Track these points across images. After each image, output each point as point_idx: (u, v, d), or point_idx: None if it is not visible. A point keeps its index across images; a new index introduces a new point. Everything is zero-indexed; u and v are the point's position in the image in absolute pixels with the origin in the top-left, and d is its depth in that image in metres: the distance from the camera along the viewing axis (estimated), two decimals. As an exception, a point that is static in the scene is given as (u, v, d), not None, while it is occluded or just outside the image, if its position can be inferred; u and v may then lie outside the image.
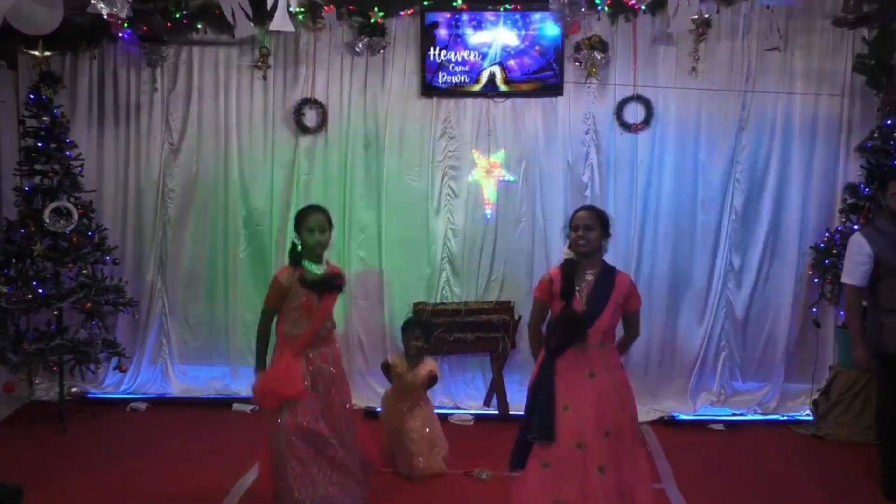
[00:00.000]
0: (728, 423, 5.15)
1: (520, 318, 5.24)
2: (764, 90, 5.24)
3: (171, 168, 5.59)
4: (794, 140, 5.26)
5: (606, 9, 5.17)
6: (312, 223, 3.46)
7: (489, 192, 5.42)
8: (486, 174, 5.40)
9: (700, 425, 5.14)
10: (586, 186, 5.36)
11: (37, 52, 5.01)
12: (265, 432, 3.51)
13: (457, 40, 5.31)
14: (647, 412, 5.17)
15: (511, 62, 5.30)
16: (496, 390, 5.23)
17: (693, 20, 4.96)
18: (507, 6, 5.26)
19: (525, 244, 5.44)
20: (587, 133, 5.36)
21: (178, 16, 5.25)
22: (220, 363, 5.67)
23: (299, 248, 3.48)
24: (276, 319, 3.52)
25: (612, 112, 5.33)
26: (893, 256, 3.82)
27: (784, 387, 5.36)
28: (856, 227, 4.81)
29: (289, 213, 5.34)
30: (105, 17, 4.18)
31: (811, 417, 5.13)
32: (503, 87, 5.33)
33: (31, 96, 5.06)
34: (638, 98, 5.29)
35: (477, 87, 5.34)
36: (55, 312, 4.95)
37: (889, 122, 4.88)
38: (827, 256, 5.03)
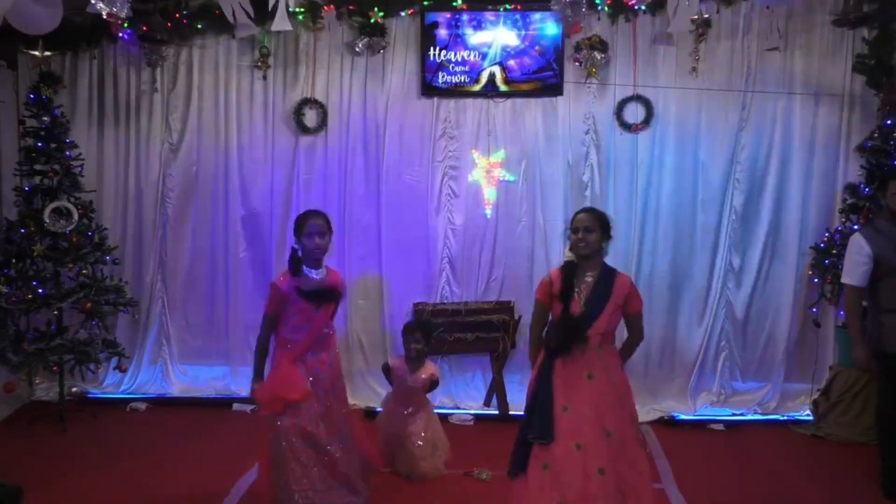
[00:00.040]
0: (728, 423, 5.15)
1: (520, 318, 5.24)
2: (764, 90, 5.24)
3: (171, 168, 5.60)
4: (793, 140, 5.26)
5: (606, 9, 5.17)
6: (311, 228, 3.46)
7: (489, 191, 5.42)
8: (486, 174, 5.40)
9: (700, 425, 5.14)
10: (586, 186, 5.36)
11: (37, 52, 5.01)
12: (265, 433, 3.51)
13: (457, 40, 5.31)
14: (647, 412, 5.17)
15: (511, 62, 5.30)
16: (496, 390, 5.23)
17: (693, 20, 4.96)
18: (507, 6, 5.26)
19: (525, 244, 5.44)
20: (587, 133, 5.36)
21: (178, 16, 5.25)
22: (220, 363, 5.67)
23: (299, 253, 3.48)
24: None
25: (612, 112, 5.34)
26: (893, 257, 3.82)
27: (784, 387, 5.36)
28: (856, 227, 4.81)
29: (289, 214, 5.35)
30: (105, 17, 4.18)
31: (811, 417, 5.13)
32: (503, 87, 5.34)
33: (31, 96, 5.06)
34: (638, 98, 5.30)
35: (477, 87, 5.34)
36: (55, 312, 4.95)
37: (889, 122, 4.89)
38: (827, 256, 5.03)
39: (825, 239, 5.12)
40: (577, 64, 5.28)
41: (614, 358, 3.28)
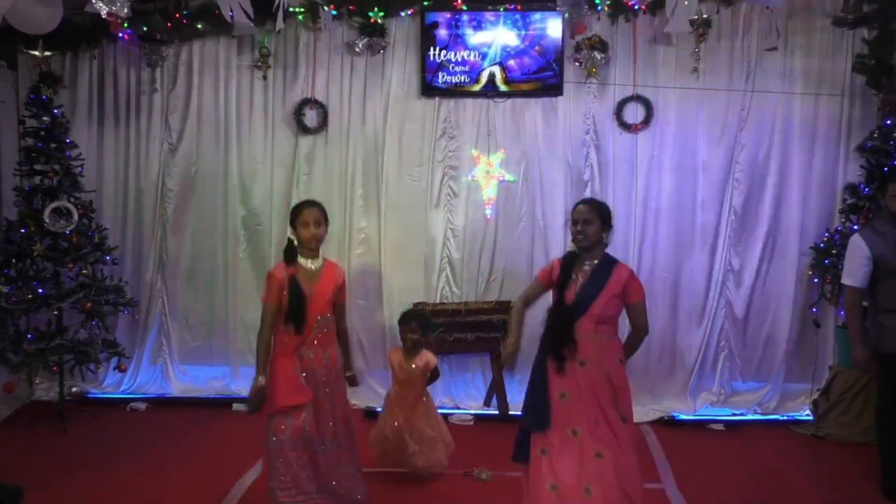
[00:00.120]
0: (728, 423, 5.15)
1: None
2: (764, 90, 5.24)
3: (171, 168, 5.60)
4: (793, 140, 5.27)
5: (606, 9, 5.16)
6: (307, 217, 3.44)
7: (489, 191, 5.42)
8: (486, 174, 5.40)
9: (700, 425, 5.15)
10: (586, 186, 5.36)
11: (37, 52, 5.01)
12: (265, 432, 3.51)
13: (457, 40, 5.31)
14: (647, 412, 5.18)
15: (511, 62, 5.30)
16: (496, 390, 5.23)
17: (693, 20, 4.96)
18: (507, 6, 5.25)
19: (525, 244, 5.44)
20: (587, 133, 5.36)
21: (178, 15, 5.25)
22: (220, 363, 5.68)
23: (295, 243, 3.46)
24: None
25: (612, 112, 5.34)
26: (892, 257, 3.82)
27: (784, 387, 5.36)
28: (855, 227, 4.81)
29: (289, 214, 5.32)
30: (105, 16, 4.18)
31: (811, 417, 5.13)
32: (503, 87, 5.34)
33: (31, 96, 5.06)
34: (638, 98, 5.30)
35: (477, 87, 5.34)
36: (55, 312, 4.95)
37: (889, 122, 4.89)
38: (827, 256, 5.03)
39: (825, 239, 5.13)
40: (577, 64, 5.28)
41: (613, 349, 3.26)
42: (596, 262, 3.27)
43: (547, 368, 3.23)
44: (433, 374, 4.34)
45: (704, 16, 5.05)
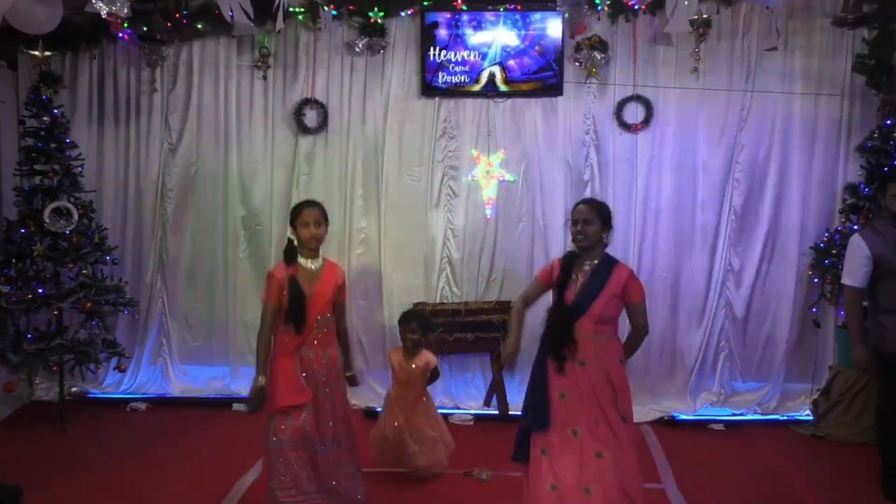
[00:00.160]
0: (728, 423, 5.15)
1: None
2: (764, 90, 5.24)
3: (171, 168, 5.60)
4: (793, 140, 5.27)
5: (606, 9, 5.16)
6: (307, 217, 3.44)
7: (489, 191, 5.42)
8: (486, 174, 5.40)
9: (700, 425, 5.15)
10: (586, 186, 5.36)
11: (37, 52, 5.01)
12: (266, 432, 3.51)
13: (457, 40, 5.31)
14: (647, 412, 5.18)
15: (511, 62, 5.30)
16: (496, 390, 5.23)
17: (693, 20, 4.96)
18: (507, 6, 5.25)
19: (525, 244, 5.44)
20: (587, 133, 5.36)
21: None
22: (220, 363, 5.68)
23: (295, 242, 3.45)
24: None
25: (612, 112, 5.34)
26: (892, 257, 3.82)
27: (784, 387, 5.36)
28: (855, 227, 4.81)
29: (289, 214, 5.32)
30: (105, 16, 4.18)
31: (811, 417, 5.13)
32: (503, 87, 5.34)
33: (31, 96, 5.06)
34: (638, 98, 5.30)
35: (477, 87, 5.34)
36: (55, 312, 4.95)
37: (889, 122, 4.89)
38: (827, 256, 5.03)
39: (825, 239, 5.13)
40: (577, 64, 5.28)
41: (613, 349, 3.26)
42: (596, 262, 3.27)
43: (547, 368, 3.23)
44: (433, 374, 4.33)
45: (704, 16, 5.05)
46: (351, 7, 5.29)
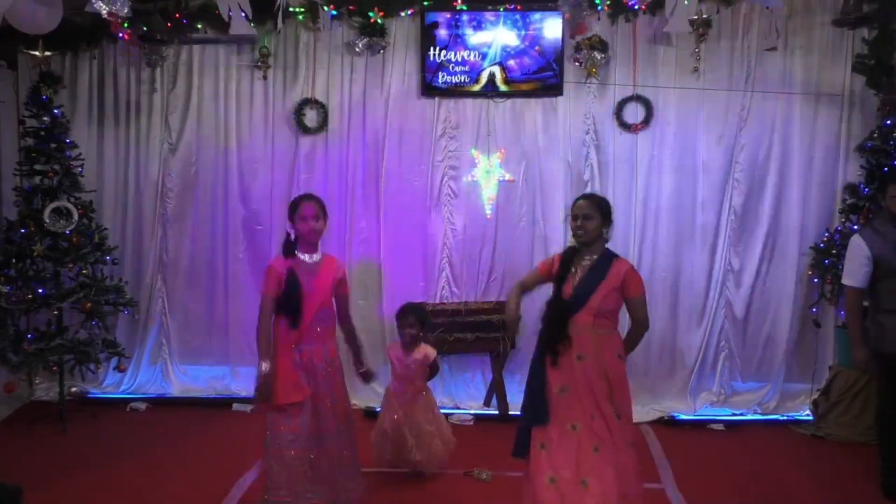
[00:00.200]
0: (728, 423, 5.15)
1: (519, 318, 5.22)
2: (764, 90, 5.24)
3: (171, 168, 5.60)
4: (793, 140, 5.27)
5: (606, 10, 5.16)
6: (305, 211, 3.43)
7: (489, 191, 5.42)
8: (487, 174, 5.40)
9: (700, 425, 5.14)
10: (586, 186, 5.35)
11: (37, 52, 5.01)
12: (264, 432, 3.51)
13: (457, 40, 5.31)
14: (647, 412, 5.18)
15: (511, 62, 5.30)
16: (496, 390, 5.23)
17: (693, 20, 4.96)
18: (507, 6, 5.25)
19: (525, 244, 5.44)
20: (587, 133, 5.36)
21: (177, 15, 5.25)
22: (220, 363, 5.68)
23: (292, 237, 3.45)
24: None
25: (612, 112, 5.34)
26: (892, 257, 3.82)
27: (784, 387, 5.36)
28: (855, 227, 4.82)
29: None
30: (105, 16, 4.18)
31: (811, 417, 5.13)
32: (503, 87, 5.34)
33: (31, 96, 5.06)
34: (638, 98, 5.30)
35: (477, 87, 5.34)
36: (55, 312, 4.95)
37: (889, 122, 4.89)
38: (827, 256, 5.03)
39: (825, 239, 5.13)
40: (577, 64, 5.28)
41: (612, 344, 3.26)
42: (595, 257, 3.28)
43: (545, 363, 3.25)
44: (433, 368, 4.28)
45: (704, 16, 5.05)
46: (351, 7, 5.29)
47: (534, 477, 3.18)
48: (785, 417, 5.27)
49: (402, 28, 5.40)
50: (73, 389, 5.51)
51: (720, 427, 5.11)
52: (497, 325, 5.18)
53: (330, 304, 3.53)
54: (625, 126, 5.33)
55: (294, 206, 3.49)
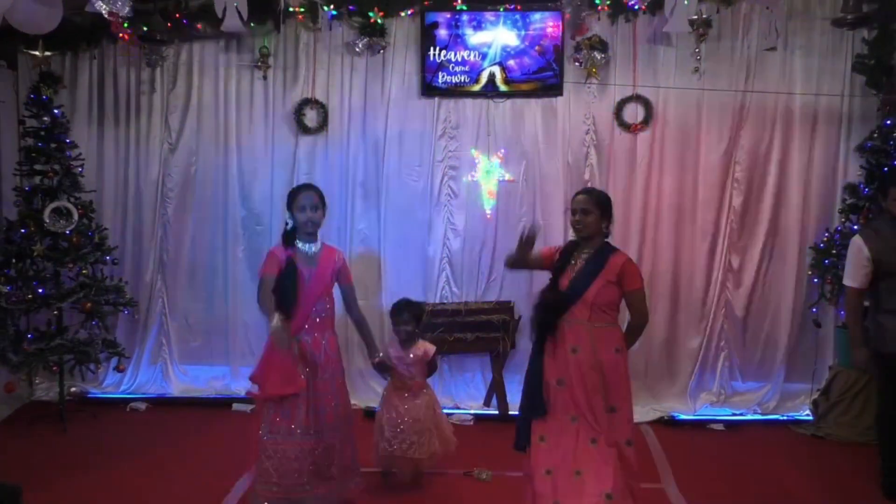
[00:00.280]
0: (728, 423, 5.15)
1: (520, 318, 5.24)
2: (764, 90, 5.24)
3: (171, 168, 5.60)
4: (793, 140, 5.27)
5: (605, 9, 5.15)
6: (303, 201, 3.44)
7: (489, 191, 5.42)
8: (487, 174, 5.40)
9: (700, 425, 5.14)
10: (586, 186, 5.36)
11: (37, 52, 5.01)
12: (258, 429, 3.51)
13: (457, 40, 5.31)
14: (647, 412, 5.18)
15: (511, 62, 5.30)
16: (496, 390, 5.23)
17: (693, 20, 4.96)
18: (507, 6, 5.25)
19: (525, 244, 5.43)
20: (587, 133, 5.36)
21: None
22: (220, 363, 5.67)
23: (290, 226, 3.45)
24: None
25: (612, 112, 5.34)
26: (892, 258, 3.82)
27: (784, 387, 5.36)
28: (855, 227, 4.83)
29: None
30: (106, 16, 4.18)
31: (811, 417, 5.13)
32: (503, 87, 5.34)
33: (31, 96, 5.06)
34: (637, 98, 5.30)
35: (477, 87, 5.34)
36: (55, 312, 4.94)
37: (889, 122, 4.89)
38: (827, 256, 5.03)
39: (825, 239, 5.12)
40: (577, 64, 5.28)
41: (610, 338, 3.24)
42: (593, 251, 3.28)
43: (543, 356, 3.26)
44: (431, 366, 4.21)
45: (704, 16, 5.05)
46: (351, 7, 5.29)
47: (533, 470, 3.20)
48: (785, 417, 5.27)
49: (402, 28, 5.40)
50: (73, 389, 5.51)
51: (720, 427, 5.10)
52: (497, 325, 5.18)
53: (330, 294, 3.53)
54: (625, 126, 5.33)
55: (292, 196, 3.49)
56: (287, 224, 3.47)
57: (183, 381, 5.70)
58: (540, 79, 5.32)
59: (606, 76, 5.33)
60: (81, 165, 5.17)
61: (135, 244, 5.65)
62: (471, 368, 5.53)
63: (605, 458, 3.10)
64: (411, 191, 5.48)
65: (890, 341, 3.82)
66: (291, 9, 5.07)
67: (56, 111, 5.05)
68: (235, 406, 5.36)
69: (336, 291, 3.67)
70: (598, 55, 5.20)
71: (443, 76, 5.33)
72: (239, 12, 4.52)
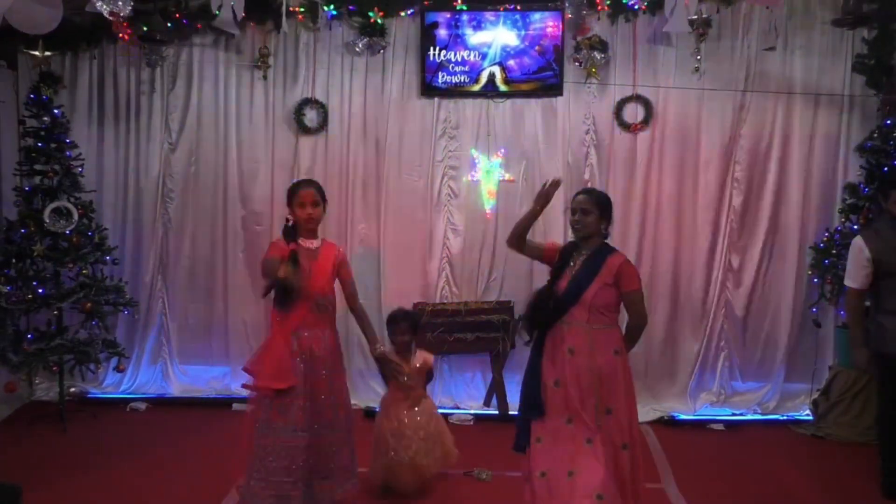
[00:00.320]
0: (728, 423, 5.15)
1: (520, 318, 5.23)
2: (764, 90, 5.24)
3: (171, 168, 5.60)
4: (793, 140, 5.27)
5: (605, 9, 5.15)
6: (304, 197, 3.43)
7: (489, 191, 5.42)
8: (487, 174, 5.41)
9: (700, 425, 5.15)
10: (586, 186, 5.36)
11: (37, 52, 5.01)
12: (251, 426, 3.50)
13: (457, 40, 5.31)
14: (647, 412, 5.17)
15: (511, 62, 5.30)
16: (496, 390, 5.23)
17: (692, 20, 4.96)
18: (507, 6, 5.25)
19: (525, 244, 5.43)
20: (587, 133, 5.37)
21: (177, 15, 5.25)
22: (220, 363, 5.68)
23: (290, 223, 3.44)
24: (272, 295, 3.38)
25: (612, 112, 5.34)
26: (893, 259, 3.82)
27: (784, 387, 5.37)
28: (855, 227, 4.83)
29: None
30: (107, 16, 4.18)
31: (811, 417, 5.13)
32: (503, 87, 5.34)
33: (31, 96, 5.06)
34: (637, 98, 5.30)
35: (477, 87, 5.34)
36: (55, 312, 4.94)
37: (889, 122, 4.89)
38: (827, 256, 5.03)
39: (825, 239, 5.13)
40: (577, 64, 5.28)
41: (609, 340, 3.23)
42: (591, 252, 3.28)
43: (541, 357, 3.25)
44: (429, 374, 4.19)
45: (704, 16, 5.05)
46: (351, 7, 5.29)
47: (531, 471, 3.20)
48: (785, 417, 5.27)
49: (402, 28, 5.40)
50: (73, 389, 5.51)
51: (720, 427, 5.11)
52: (497, 325, 5.18)
53: (330, 290, 3.51)
54: (625, 126, 5.33)
55: (292, 192, 3.48)
56: (287, 220, 3.46)
57: (183, 381, 5.70)
58: (540, 79, 5.32)
59: (606, 76, 5.33)
60: (81, 165, 5.18)
61: (135, 244, 5.66)
62: (471, 368, 5.53)
63: (599, 459, 3.09)
64: (411, 191, 5.48)
65: (890, 341, 3.82)
66: (292, 8, 5.07)
67: (56, 111, 5.05)
68: (235, 406, 5.34)
69: (337, 292, 3.66)
70: (598, 55, 5.20)
71: (443, 76, 5.33)
72: (234, 11, 4.51)
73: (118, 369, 5.34)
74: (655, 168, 5.35)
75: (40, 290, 4.83)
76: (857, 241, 3.94)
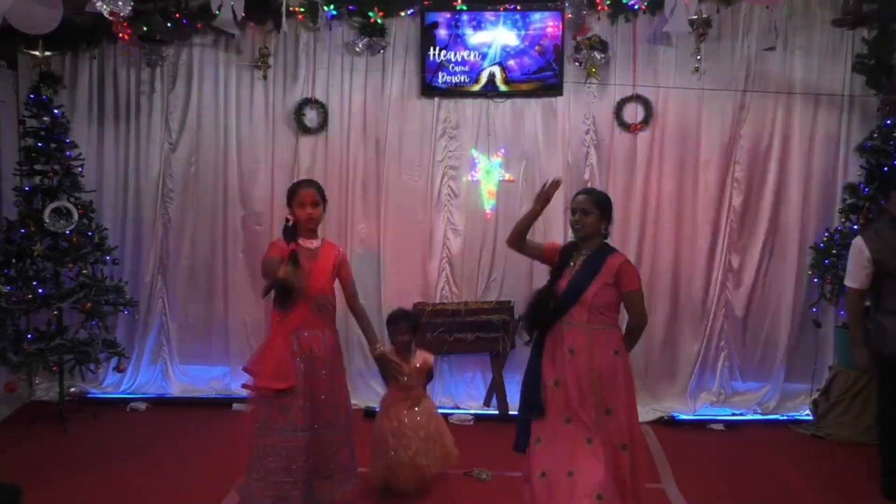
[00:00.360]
0: (728, 423, 5.15)
1: (520, 318, 5.23)
2: (764, 90, 5.24)
3: (171, 168, 5.60)
4: (793, 140, 5.27)
5: (605, 9, 5.15)
6: (304, 197, 3.42)
7: (489, 191, 5.42)
8: (487, 174, 5.41)
9: (700, 425, 5.15)
10: (586, 186, 5.35)
11: (37, 52, 5.01)
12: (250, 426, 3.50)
13: (457, 40, 5.31)
14: (647, 412, 5.17)
15: (511, 62, 5.30)
16: (496, 390, 5.23)
17: (692, 20, 4.96)
18: (507, 6, 5.25)
19: (525, 244, 5.43)
20: (587, 133, 5.37)
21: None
22: (220, 363, 5.68)
23: (290, 223, 3.43)
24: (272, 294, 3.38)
25: (612, 112, 5.34)
26: (893, 259, 3.82)
27: (784, 387, 5.37)
28: (855, 227, 4.83)
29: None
30: (107, 16, 4.18)
31: (811, 417, 5.13)
32: (503, 87, 5.34)
33: (31, 96, 5.06)
34: (637, 98, 5.30)
35: (477, 87, 5.34)
36: (55, 312, 4.94)
37: (889, 122, 4.89)
38: (827, 256, 5.04)
39: (825, 239, 5.13)
40: (577, 64, 5.28)
41: (609, 340, 3.23)
42: (591, 252, 3.28)
43: (541, 357, 3.25)
44: (429, 374, 4.19)
45: (704, 16, 5.05)
46: (351, 7, 5.29)
47: (531, 472, 3.20)
48: (785, 417, 5.27)
49: (402, 28, 5.40)
50: (73, 389, 5.51)
51: (720, 427, 5.11)
52: (497, 325, 5.18)
53: (330, 290, 3.51)
54: (625, 126, 5.33)
55: (292, 192, 3.48)
56: (287, 220, 3.46)
57: (183, 381, 5.70)
58: (540, 79, 5.32)
59: (606, 76, 5.33)
60: (81, 165, 5.18)
61: (135, 244, 5.66)
62: (471, 368, 5.53)
63: (599, 459, 3.08)
64: (411, 191, 5.48)
65: (890, 342, 3.82)
66: (292, 8, 5.07)
67: (56, 111, 5.05)
68: (235, 406, 5.34)
69: (337, 292, 3.66)
70: (598, 55, 5.20)
71: (443, 76, 5.33)
72: (234, 11, 4.51)
73: (118, 369, 5.35)
74: (655, 168, 5.35)
75: (40, 290, 4.83)
76: (858, 242, 3.94)
